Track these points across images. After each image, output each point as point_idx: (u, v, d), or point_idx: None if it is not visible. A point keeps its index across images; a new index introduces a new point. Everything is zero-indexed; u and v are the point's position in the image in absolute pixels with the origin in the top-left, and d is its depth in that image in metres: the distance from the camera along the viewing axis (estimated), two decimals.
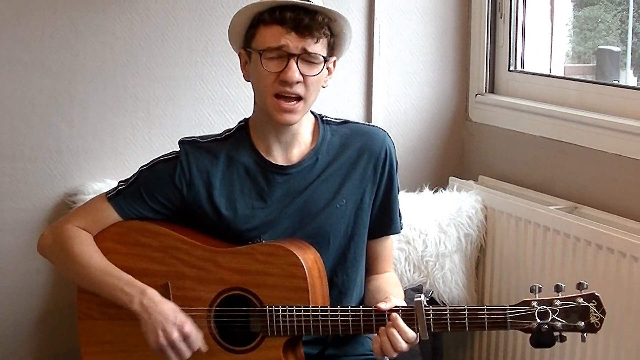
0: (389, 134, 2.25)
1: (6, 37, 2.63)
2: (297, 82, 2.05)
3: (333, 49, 2.14)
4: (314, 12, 2.05)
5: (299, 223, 2.16)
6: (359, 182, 2.20)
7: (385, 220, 2.26)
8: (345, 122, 2.25)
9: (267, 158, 2.17)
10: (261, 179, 2.17)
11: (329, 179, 2.18)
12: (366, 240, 2.24)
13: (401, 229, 2.31)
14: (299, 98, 2.08)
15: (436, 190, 2.96)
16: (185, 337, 2.05)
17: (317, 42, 2.07)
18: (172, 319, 2.05)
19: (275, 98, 2.07)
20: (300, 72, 2.05)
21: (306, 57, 2.06)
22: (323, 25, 2.07)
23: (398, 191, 2.28)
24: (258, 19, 2.08)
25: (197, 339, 2.07)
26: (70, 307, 2.29)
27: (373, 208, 2.23)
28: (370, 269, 2.28)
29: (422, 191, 2.95)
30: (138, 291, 2.09)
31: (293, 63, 2.04)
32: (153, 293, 2.09)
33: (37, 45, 2.67)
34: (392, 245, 2.34)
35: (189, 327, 2.06)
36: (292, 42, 2.04)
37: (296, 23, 2.04)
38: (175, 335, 2.04)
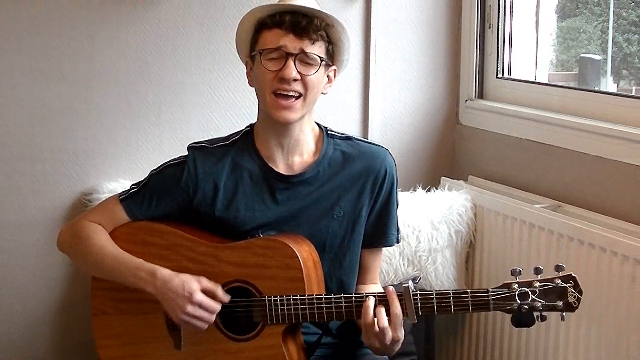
0: (385, 141, 2.24)
1: (27, 46, 2.63)
2: (295, 80, 2.06)
3: (332, 57, 2.14)
4: (312, 16, 2.07)
5: (297, 228, 2.15)
6: (356, 197, 2.18)
7: (378, 233, 2.24)
8: (349, 138, 2.23)
9: (269, 164, 2.16)
10: (263, 184, 2.16)
11: (328, 192, 2.17)
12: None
13: (398, 242, 2.29)
14: (297, 96, 2.07)
15: (428, 190, 2.95)
16: (199, 305, 2.02)
17: (314, 43, 2.07)
18: (181, 292, 2.02)
19: (274, 96, 2.07)
20: (297, 70, 2.05)
21: (303, 58, 2.07)
22: (320, 28, 2.08)
23: (397, 207, 2.25)
24: (261, 24, 2.10)
25: (213, 302, 2.03)
26: (86, 300, 2.28)
27: (368, 220, 2.21)
28: (360, 279, 2.26)
29: (415, 190, 2.94)
30: (148, 274, 2.07)
31: (291, 62, 2.05)
32: (162, 272, 2.06)
33: (56, 54, 2.67)
34: (381, 258, 2.32)
35: (198, 295, 2.02)
36: (290, 42, 2.05)
37: (294, 25, 2.05)
38: (188, 308, 2.02)
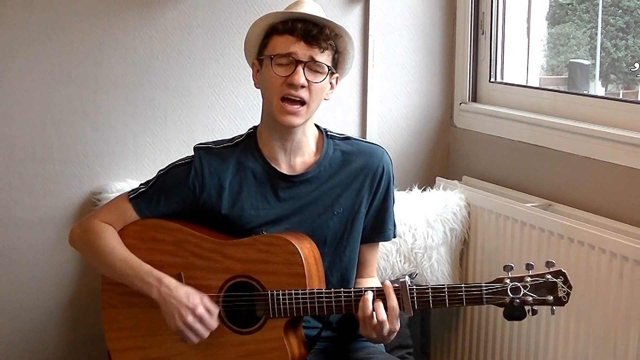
0: (382, 142, 2.25)
1: (38, 52, 2.64)
2: (302, 87, 2.06)
3: (337, 65, 2.14)
4: (322, 26, 2.07)
5: (298, 225, 2.16)
6: (356, 194, 2.19)
7: (376, 228, 2.25)
8: (348, 138, 2.24)
9: (272, 165, 2.16)
10: (267, 184, 2.17)
11: (329, 190, 2.18)
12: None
13: (395, 237, 2.30)
14: (302, 103, 2.07)
15: (424, 189, 2.95)
16: (199, 319, 2.04)
17: (322, 52, 2.08)
18: (185, 303, 2.04)
19: (281, 101, 2.07)
20: (305, 77, 2.05)
21: (312, 65, 2.07)
22: (329, 38, 2.08)
23: (394, 203, 2.27)
24: (271, 29, 2.10)
25: (211, 320, 2.06)
26: (95, 295, 2.29)
27: (367, 215, 2.22)
28: (358, 273, 2.27)
29: (411, 190, 2.94)
30: (156, 280, 2.08)
31: (300, 69, 2.05)
32: (169, 281, 2.08)
33: (66, 59, 2.67)
34: (378, 253, 2.33)
35: (201, 309, 2.04)
36: (300, 50, 2.05)
37: (306, 33, 2.05)
38: (189, 318, 2.04)
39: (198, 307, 2.05)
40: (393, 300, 1.99)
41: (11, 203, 2.69)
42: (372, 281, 2.27)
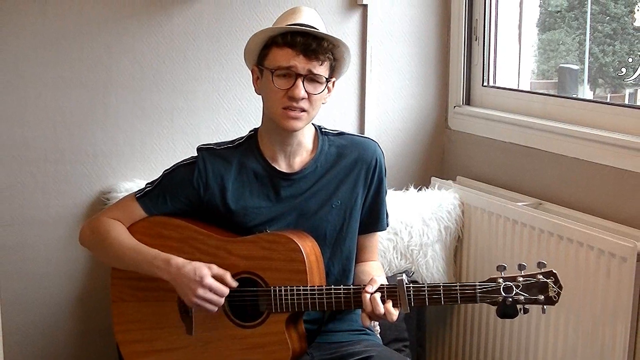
0: (379, 143, 2.27)
1: (51, 57, 2.65)
2: (302, 99, 2.06)
3: (334, 71, 2.15)
4: (320, 39, 2.07)
5: (299, 220, 2.18)
6: (352, 186, 2.21)
7: (373, 219, 2.27)
8: (341, 133, 2.26)
9: (273, 165, 2.18)
10: (268, 183, 2.19)
11: (326, 184, 2.20)
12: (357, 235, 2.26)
13: (387, 226, 2.32)
14: (302, 110, 2.09)
15: (420, 189, 2.96)
16: (209, 288, 2.04)
17: (321, 64, 2.08)
18: (193, 277, 2.04)
19: (283, 109, 2.08)
20: (305, 90, 2.06)
21: (311, 77, 2.08)
22: (327, 50, 2.08)
23: (386, 194, 2.28)
24: (272, 40, 2.10)
25: (222, 286, 2.05)
26: (104, 290, 2.30)
27: (363, 208, 2.24)
28: (359, 258, 2.29)
29: (407, 189, 2.95)
30: (164, 262, 2.09)
31: (300, 82, 2.06)
32: (176, 260, 2.08)
33: (77, 64, 2.68)
34: (377, 239, 2.35)
35: (208, 279, 2.04)
36: (300, 63, 2.06)
37: (305, 47, 2.05)
38: (199, 291, 2.04)
39: (205, 277, 2.04)
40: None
41: (24, 202, 2.69)
42: (373, 264, 2.29)
